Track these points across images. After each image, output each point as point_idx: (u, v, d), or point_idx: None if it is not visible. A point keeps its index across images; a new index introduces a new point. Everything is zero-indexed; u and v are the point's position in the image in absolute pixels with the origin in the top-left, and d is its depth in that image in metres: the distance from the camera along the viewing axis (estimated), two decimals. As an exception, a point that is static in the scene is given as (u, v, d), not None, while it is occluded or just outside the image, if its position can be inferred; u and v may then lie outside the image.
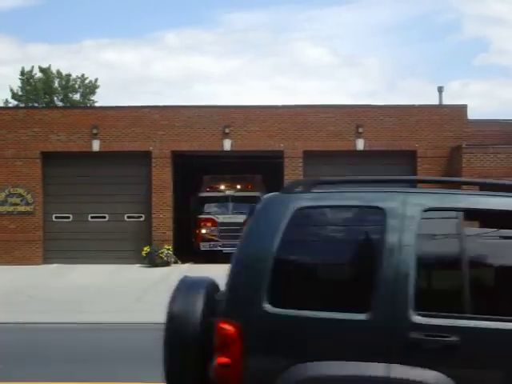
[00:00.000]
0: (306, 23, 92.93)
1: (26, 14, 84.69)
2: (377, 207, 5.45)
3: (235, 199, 28.99)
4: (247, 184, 29.43)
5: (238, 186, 29.21)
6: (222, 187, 29.29)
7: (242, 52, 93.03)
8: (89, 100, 55.04)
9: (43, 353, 12.47)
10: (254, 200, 29.52)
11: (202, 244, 28.72)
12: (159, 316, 17.22)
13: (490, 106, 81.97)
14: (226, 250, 28.85)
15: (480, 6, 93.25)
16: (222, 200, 29.21)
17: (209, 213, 29.17)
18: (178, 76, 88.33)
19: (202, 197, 29.43)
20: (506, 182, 6.07)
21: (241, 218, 28.73)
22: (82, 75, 55.22)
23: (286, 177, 27.25)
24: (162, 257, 26.34)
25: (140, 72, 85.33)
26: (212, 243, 28.64)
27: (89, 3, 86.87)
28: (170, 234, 27.40)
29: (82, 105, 52.47)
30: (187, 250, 28.72)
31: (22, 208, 27.33)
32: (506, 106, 79.62)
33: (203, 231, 28.86)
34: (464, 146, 26.04)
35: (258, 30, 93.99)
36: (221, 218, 28.79)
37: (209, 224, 28.90)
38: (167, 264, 26.46)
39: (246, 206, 29.01)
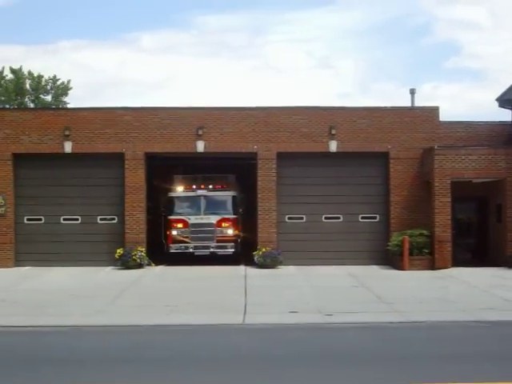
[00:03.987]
0: (282, 26, 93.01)
1: (1, 15, 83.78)
2: None
3: (208, 199, 28.25)
4: (220, 184, 28.67)
5: (211, 186, 28.39)
6: (194, 187, 28.42)
7: (217, 54, 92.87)
8: (61, 102, 54.51)
9: (16, 356, 12.34)
10: (227, 200, 28.70)
11: (172, 246, 27.88)
12: (133, 318, 17.25)
13: (462, 108, 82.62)
14: (198, 252, 27.85)
15: (451, 9, 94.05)
16: (194, 200, 28.34)
17: (180, 213, 28.28)
18: (152, 77, 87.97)
19: (173, 197, 28.52)
20: None
21: (213, 219, 28.05)
22: (54, 76, 54.72)
23: (259, 178, 27.26)
24: (135, 259, 26.13)
25: (115, 73, 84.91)
26: (183, 245, 27.83)
27: (65, 5, 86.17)
28: (143, 236, 27.19)
29: (54, 106, 51.95)
30: (159, 252, 28.03)
31: (-7, 210, 27.03)
32: (477, 108, 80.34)
33: (174, 232, 27.99)
34: (436, 147, 26.24)
35: (234, 32, 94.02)
36: (192, 219, 27.95)
37: (180, 225, 28.01)
38: (140, 266, 26.27)
39: (219, 206, 28.52)
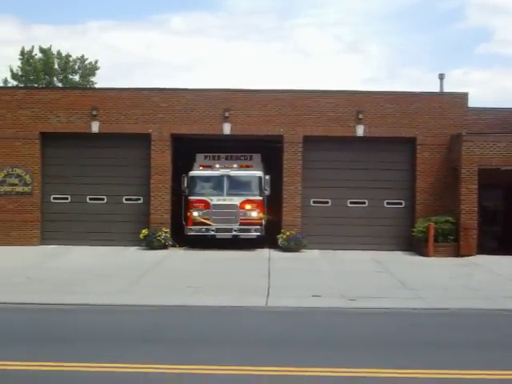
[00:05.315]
0: (311, 9, 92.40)
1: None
2: None
3: (231, 179, 26.99)
4: (245, 163, 27.56)
5: (235, 165, 27.30)
6: (217, 166, 27.28)
7: (245, 36, 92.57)
8: (88, 82, 54.79)
9: (42, 333, 12.48)
10: (252, 180, 27.59)
11: (193, 228, 26.45)
12: (156, 298, 17.33)
13: (491, 94, 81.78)
14: (220, 235, 26.43)
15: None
16: (217, 180, 27.07)
17: (201, 194, 26.86)
18: (181, 59, 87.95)
19: (194, 176, 27.12)
20: None
21: (237, 201, 26.59)
22: (82, 56, 55.00)
23: (285, 161, 27.18)
24: (159, 240, 26.19)
25: (143, 55, 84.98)
26: (204, 227, 26.44)
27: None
28: (167, 217, 27.20)
29: (82, 86, 52.21)
30: (181, 234, 27.02)
31: (20, 188, 27.27)
32: (507, 94, 79.39)
33: (195, 214, 26.54)
34: (464, 133, 25.96)
35: (263, 15, 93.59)
36: (215, 200, 26.62)
37: (201, 206, 26.66)
38: (165, 247, 26.34)
39: (244, 187, 27.27)
